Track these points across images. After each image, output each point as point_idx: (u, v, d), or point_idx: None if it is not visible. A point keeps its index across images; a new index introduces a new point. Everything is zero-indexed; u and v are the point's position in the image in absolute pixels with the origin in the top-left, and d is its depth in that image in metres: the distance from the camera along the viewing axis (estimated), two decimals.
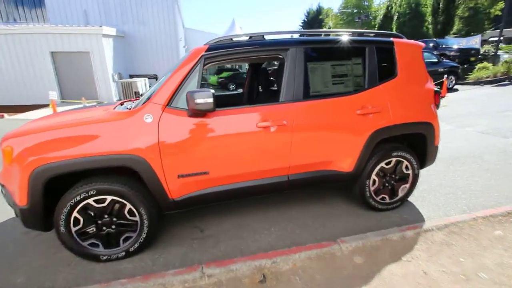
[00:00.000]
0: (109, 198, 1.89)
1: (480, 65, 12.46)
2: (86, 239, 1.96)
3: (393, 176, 2.53)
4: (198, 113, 1.91)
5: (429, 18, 22.41)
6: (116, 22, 14.35)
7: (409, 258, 1.95)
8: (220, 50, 2.03)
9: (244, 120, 2.06)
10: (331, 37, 2.27)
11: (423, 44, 2.53)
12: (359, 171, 2.37)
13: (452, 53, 13.27)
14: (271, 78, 3.29)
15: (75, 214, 1.88)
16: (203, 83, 2.02)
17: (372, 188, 2.48)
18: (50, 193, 1.86)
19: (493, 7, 22.07)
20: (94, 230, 1.96)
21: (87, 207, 1.89)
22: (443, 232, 2.19)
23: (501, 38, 13.25)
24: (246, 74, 3.58)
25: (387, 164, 2.46)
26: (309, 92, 2.20)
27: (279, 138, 2.11)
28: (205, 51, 2.01)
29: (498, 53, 13.34)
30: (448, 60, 11.67)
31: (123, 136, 1.86)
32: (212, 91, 1.81)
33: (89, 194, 1.84)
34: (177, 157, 1.96)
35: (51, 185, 1.82)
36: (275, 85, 2.67)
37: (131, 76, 13.41)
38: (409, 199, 2.73)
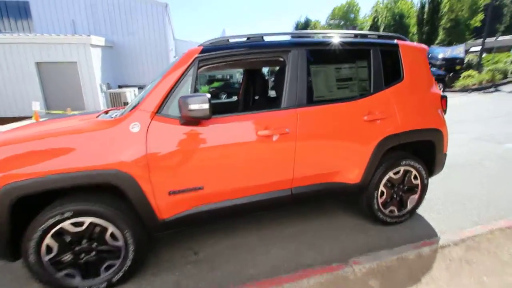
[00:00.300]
0: (88, 220, 1.63)
1: (465, 73, 12.86)
2: (61, 269, 1.67)
3: (402, 186, 2.37)
4: (192, 120, 1.70)
5: (413, 29, 23.23)
6: (105, 32, 14.11)
7: (428, 280, 1.75)
8: (215, 52, 1.85)
9: (243, 128, 1.87)
10: (334, 38, 2.12)
11: (426, 47, 2.44)
12: (367, 182, 2.20)
13: (438, 62, 13.67)
14: (268, 84, 3.13)
15: (47, 240, 1.60)
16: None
17: (380, 200, 2.31)
18: (19, 216, 1.58)
19: (472, 18, 23.12)
20: (70, 258, 1.68)
21: (62, 231, 1.62)
22: (460, 247, 2.02)
23: (483, 47, 13.75)
24: (241, 80, 3.41)
25: (395, 174, 2.30)
26: (312, 97, 2.03)
27: (281, 147, 1.92)
28: (199, 53, 1.82)
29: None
30: (434, 69, 11.98)
31: (105, 148, 1.63)
32: (208, 95, 1.61)
33: (65, 216, 1.58)
34: (168, 171, 1.73)
35: (21, 206, 1.56)
36: (274, 91, 2.50)
37: (120, 87, 13.11)
38: (416, 210, 2.56)
